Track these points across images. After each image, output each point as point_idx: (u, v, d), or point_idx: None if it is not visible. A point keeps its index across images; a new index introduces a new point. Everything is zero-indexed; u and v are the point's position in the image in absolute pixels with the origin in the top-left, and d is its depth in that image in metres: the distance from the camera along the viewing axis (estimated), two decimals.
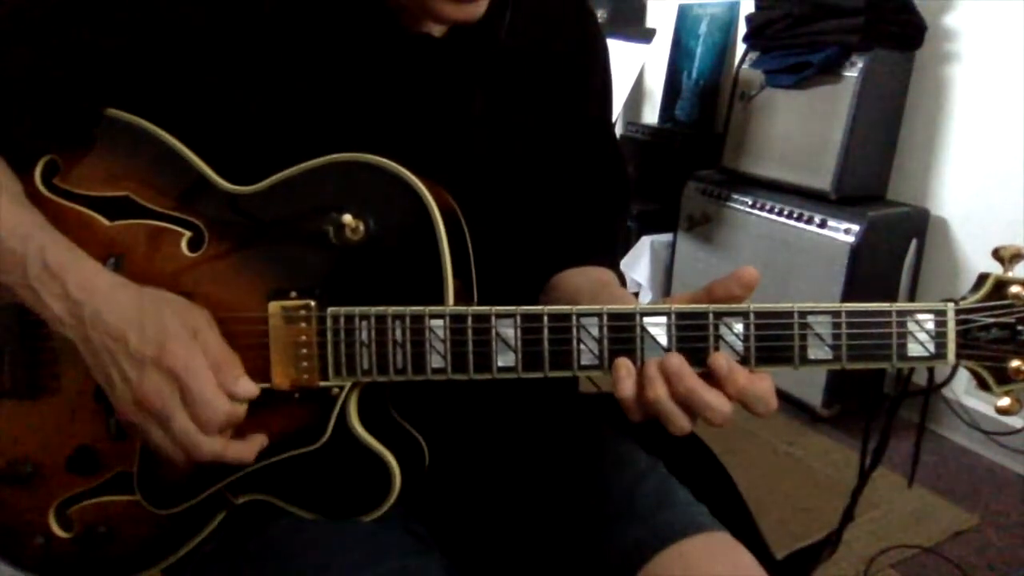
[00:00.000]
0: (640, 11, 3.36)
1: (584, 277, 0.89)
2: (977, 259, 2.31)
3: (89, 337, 0.66)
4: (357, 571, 0.68)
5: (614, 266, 0.93)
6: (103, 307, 0.66)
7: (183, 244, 0.72)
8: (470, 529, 0.82)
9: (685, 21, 3.16)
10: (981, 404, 2.26)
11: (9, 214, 0.70)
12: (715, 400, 0.62)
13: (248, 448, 0.68)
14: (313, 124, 0.76)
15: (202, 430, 0.65)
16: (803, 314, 0.63)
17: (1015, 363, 0.63)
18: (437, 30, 0.79)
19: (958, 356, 0.63)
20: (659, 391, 0.63)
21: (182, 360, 0.64)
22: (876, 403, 2.02)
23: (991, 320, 0.63)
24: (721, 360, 0.62)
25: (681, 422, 0.63)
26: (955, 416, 2.29)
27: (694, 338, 0.64)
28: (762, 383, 0.63)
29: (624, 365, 0.64)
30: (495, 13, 0.78)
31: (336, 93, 0.76)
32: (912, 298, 2.42)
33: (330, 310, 0.68)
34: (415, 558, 0.72)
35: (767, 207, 2.48)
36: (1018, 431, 2.12)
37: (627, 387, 0.64)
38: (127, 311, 0.66)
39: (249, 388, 0.67)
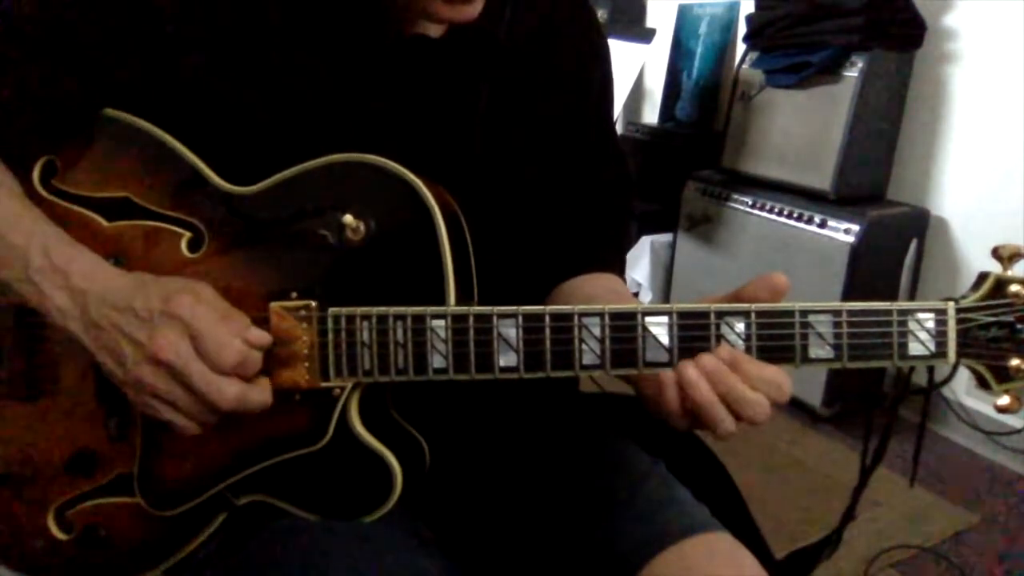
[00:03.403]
0: (640, 11, 3.36)
1: (596, 285, 0.88)
2: (977, 259, 2.31)
3: (93, 320, 0.66)
4: (358, 572, 0.68)
5: (621, 272, 0.93)
6: (105, 292, 0.67)
7: (183, 245, 0.72)
8: (472, 529, 0.82)
9: (685, 21, 3.16)
10: (981, 404, 2.26)
11: (10, 210, 0.70)
12: (755, 395, 0.63)
13: (263, 391, 0.67)
14: (313, 125, 0.76)
15: (221, 373, 0.64)
16: (804, 313, 0.63)
17: (1015, 361, 0.63)
18: (435, 31, 0.79)
19: (958, 355, 0.64)
20: (704, 393, 0.63)
21: (189, 308, 0.64)
22: (876, 402, 2.02)
23: (991, 319, 0.63)
24: (724, 352, 0.63)
25: (726, 422, 0.64)
26: (955, 416, 2.29)
27: (696, 337, 0.64)
28: (770, 367, 0.64)
29: (668, 376, 0.65)
30: (494, 13, 0.78)
31: (335, 94, 0.76)
32: (912, 298, 2.41)
33: (331, 310, 0.68)
34: (417, 559, 0.71)
35: (767, 207, 2.48)
36: (1018, 431, 2.12)
37: (672, 397, 0.64)
38: (129, 287, 0.67)
39: (261, 336, 0.67)
